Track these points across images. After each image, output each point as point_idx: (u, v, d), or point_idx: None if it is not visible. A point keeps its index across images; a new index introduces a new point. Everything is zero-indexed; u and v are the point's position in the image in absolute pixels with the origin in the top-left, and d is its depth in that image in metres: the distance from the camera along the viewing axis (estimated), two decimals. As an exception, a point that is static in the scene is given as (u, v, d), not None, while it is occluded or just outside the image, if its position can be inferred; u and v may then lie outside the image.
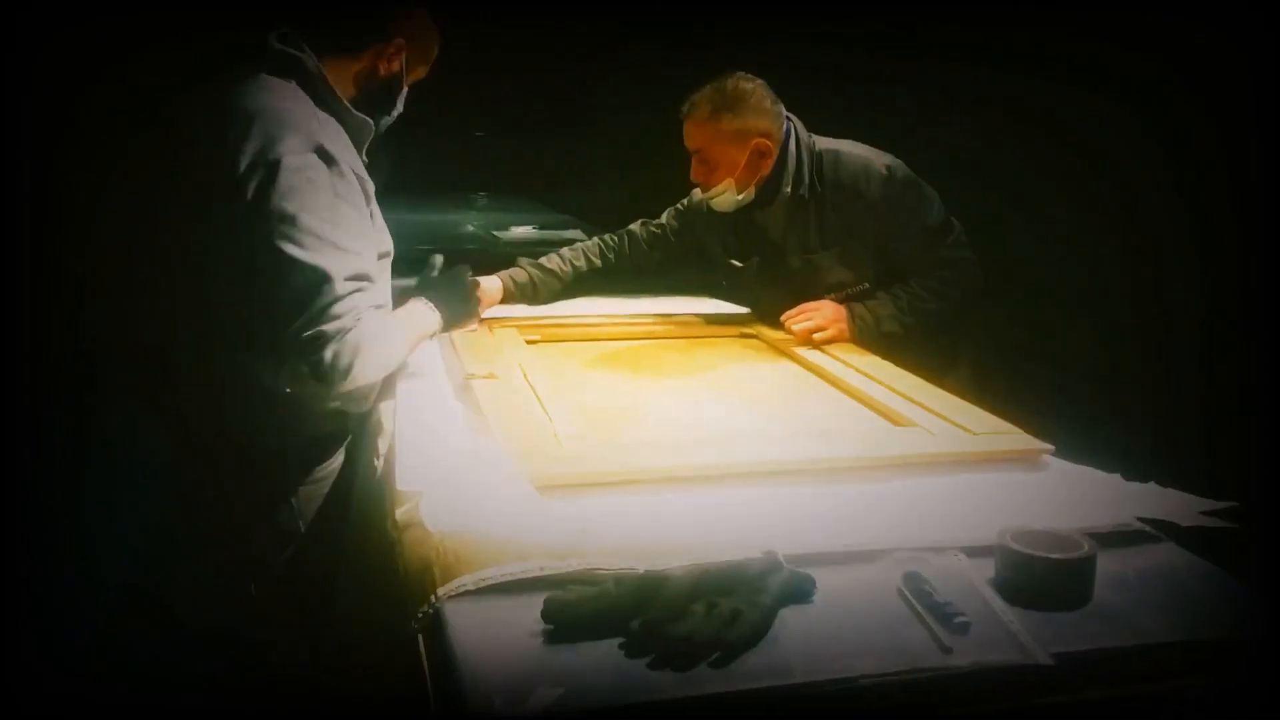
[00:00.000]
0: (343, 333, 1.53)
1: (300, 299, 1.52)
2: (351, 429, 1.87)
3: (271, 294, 1.55)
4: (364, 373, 1.58)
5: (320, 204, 1.55)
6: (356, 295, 1.56)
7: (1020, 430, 1.66)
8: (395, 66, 1.74)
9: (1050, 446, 1.60)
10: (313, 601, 1.73)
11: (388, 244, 1.79)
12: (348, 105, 1.71)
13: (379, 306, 1.67)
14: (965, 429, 1.67)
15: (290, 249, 1.52)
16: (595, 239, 2.62)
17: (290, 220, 1.52)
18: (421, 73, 1.83)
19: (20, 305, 2.81)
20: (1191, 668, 1.09)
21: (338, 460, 1.85)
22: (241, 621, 1.82)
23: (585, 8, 5.50)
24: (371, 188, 1.71)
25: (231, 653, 1.84)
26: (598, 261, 2.56)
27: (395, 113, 1.82)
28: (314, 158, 1.56)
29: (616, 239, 2.60)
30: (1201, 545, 1.32)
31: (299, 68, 1.67)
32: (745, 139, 2.25)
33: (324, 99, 1.68)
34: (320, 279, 1.52)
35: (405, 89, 1.80)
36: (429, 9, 1.78)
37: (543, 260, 2.51)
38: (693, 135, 2.29)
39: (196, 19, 2.81)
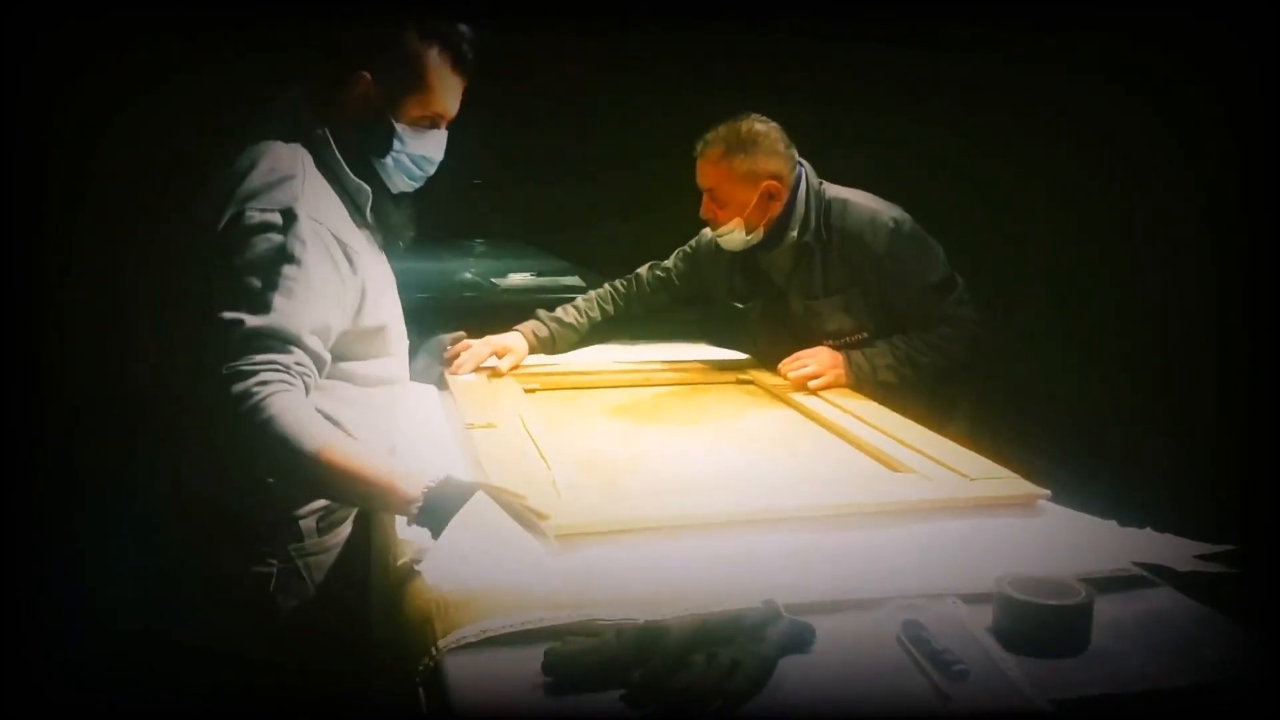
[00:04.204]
0: (240, 399, 1.38)
1: (209, 352, 1.42)
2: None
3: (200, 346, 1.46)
4: (233, 455, 1.44)
5: (262, 262, 1.45)
6: (267, 355, 1.42)
7: (1017, 475, 1.67)
8: (372, 104, 1.60)
9: (1047, 491, 1.61)
10: (338, 636, 1.64)
11: (379, 316, 1.64)
12: (347, 170, 1.61)
13: (358, 380, 1.60)
14: (962, 474, 1.67)
15: (216, 300, 1.44)
16: (606, 286, 2.67)
17: (225, 273, 1.46)
18: (430, 106, 1.63)
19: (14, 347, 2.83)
20: (1190, 713, 1.09)
21: (345, 531, 1.71)
22: (256, 649, 1.65)
23: (585, 54, 5.57)
24: (358, 253, 1.57)
25: (246, 679, 1.67)
26: (610, 309, 2.62)
27: (398, 154, 1.64)
28: (275, 216, 1.47)
29: (625, 285, 2.66)
30: (1199, 589, 1.32)
31: (305, 129, 1.59)
32: (756, 180, 2.29)
33: (325, 161, 1.59)
34: (226, 330, 1.42)
35: (396, 127, 1.61)
36: (412, 29, 1.59)
37: (558, 313, 2.56)
38: (705, 174, 2.33)
39: (203, 74, 2.86)
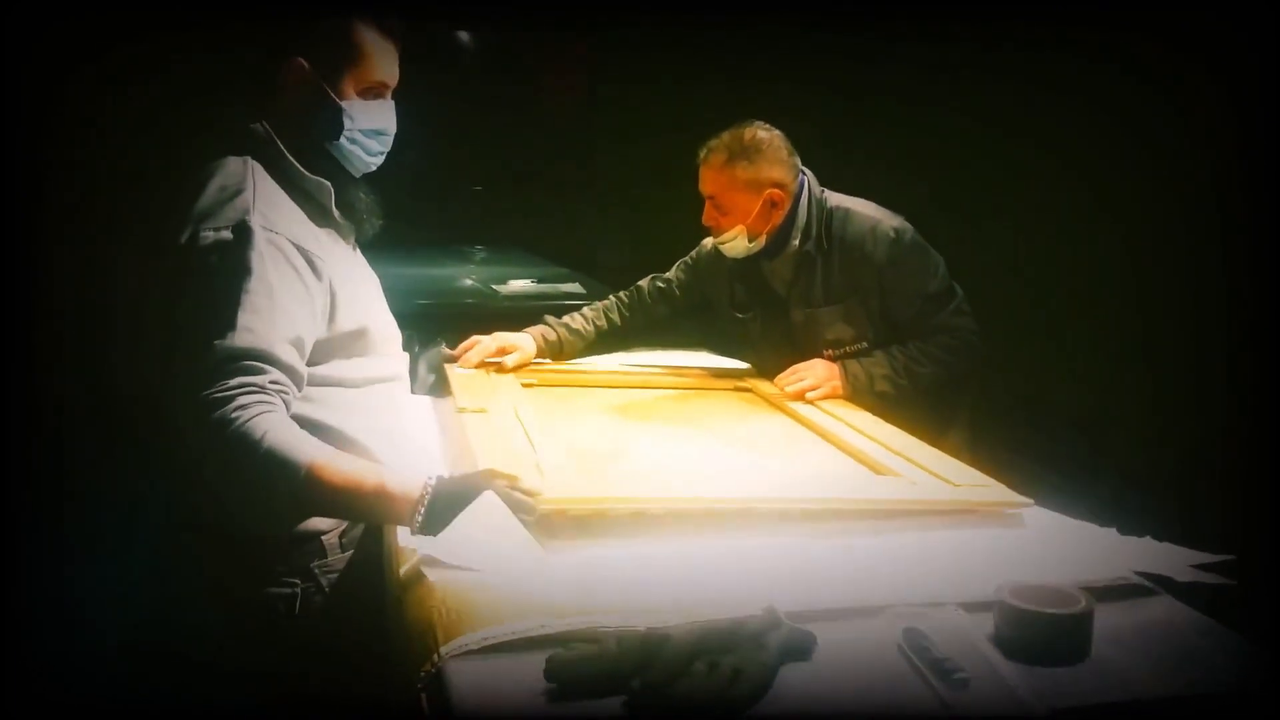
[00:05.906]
0: (221, 426, 1.35)
1: (182, 378, 1.39)
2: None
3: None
4: (220, 484, 1.40)
5: (223, 281, 1.43)
6: (241, 378, 1.38)
7: (1001, 484, 1.68)
8: (310, 88, 1.57)
9: (1029, 500, 1.62)
10: (355, 642, 1.59)
11: (356, 319, 1.60)
12: (301, 169, 1.58)
13: (347, 389, 1.56)
14: (947, 480, 1.69)
15: (183, 324, 1.43)
16: (611, 297, 2.68)
17: (187, 296, 1.45)
18: (370, 75, 1.60)
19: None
20: (1189, 723, 1.10)
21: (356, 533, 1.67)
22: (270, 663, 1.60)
23: (584, 60, 5.58)
24: (321, 258, 1.53)
25: (256, 689, 1.60)
26: (616, 320, 2.63)
27: (350, 132, 1.60)
28: (228, 233, 1.45)
29: (629, 296, 2.67)
30: (1199, 598, 1.33)
31: (252, 139, 1.57)
32: (759, 188, 2.30)
33: (279, 167, 1.57)
34: (195, 355, 1.40)
35: (342, 104, 1.58)
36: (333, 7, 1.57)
37: (567, 320, 2.57)
38: (707, 181, 2.33)
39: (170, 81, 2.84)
